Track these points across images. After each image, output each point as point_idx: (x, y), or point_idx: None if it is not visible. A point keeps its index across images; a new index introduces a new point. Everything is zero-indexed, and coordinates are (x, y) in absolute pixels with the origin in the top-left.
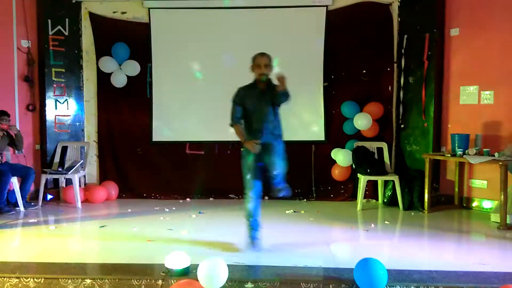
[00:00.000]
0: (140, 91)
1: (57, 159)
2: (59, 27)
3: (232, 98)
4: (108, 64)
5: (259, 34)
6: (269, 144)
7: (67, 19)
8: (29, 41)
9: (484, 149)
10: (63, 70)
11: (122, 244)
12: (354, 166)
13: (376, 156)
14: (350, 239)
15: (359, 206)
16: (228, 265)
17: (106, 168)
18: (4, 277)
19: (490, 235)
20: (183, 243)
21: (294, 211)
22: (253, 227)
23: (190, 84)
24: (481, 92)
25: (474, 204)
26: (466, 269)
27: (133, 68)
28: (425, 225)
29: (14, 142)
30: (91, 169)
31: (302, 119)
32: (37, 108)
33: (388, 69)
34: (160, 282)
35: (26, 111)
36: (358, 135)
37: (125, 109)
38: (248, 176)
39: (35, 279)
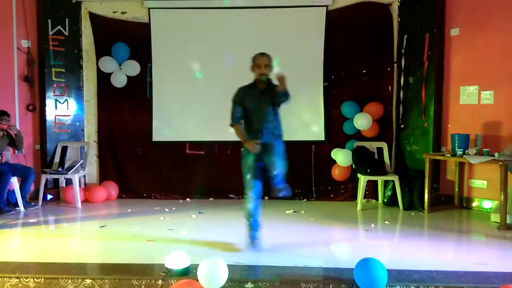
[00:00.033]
0: (140, 91)
1: (57, 159)
2: (59, 27)
3: (232, 98)
4: (108, 64)
5: (259, 34)
6: (269, 144)
7: (67, 19)
8: (29, 41)
9: (484, 149)
10: (63, 70)
11: (122, 244)
12: (354, 166)
13: (376, 156)
14: (350, 239)
15: (359, 206)
16: (228, 265)
17: (106, 168)
18: (4, 277)
19: (490, 235)
20: (183, 243)
21: (294, 211)
22: (253, 227)
23: (190, 84)
24: (481, 92)
25: (474, 204)
26: (466, 269)
27: (133, 68)
28: (425, 225)
29: (14, 142)
30: (91, 169)
31: (302, 119)
32: (37, 108)
33: (388, 69)
34: (160, 282)
35: (26, 111)
36: (358, 135)
37: (125, 109)
38: (248, 176)
39: (35, 279)
